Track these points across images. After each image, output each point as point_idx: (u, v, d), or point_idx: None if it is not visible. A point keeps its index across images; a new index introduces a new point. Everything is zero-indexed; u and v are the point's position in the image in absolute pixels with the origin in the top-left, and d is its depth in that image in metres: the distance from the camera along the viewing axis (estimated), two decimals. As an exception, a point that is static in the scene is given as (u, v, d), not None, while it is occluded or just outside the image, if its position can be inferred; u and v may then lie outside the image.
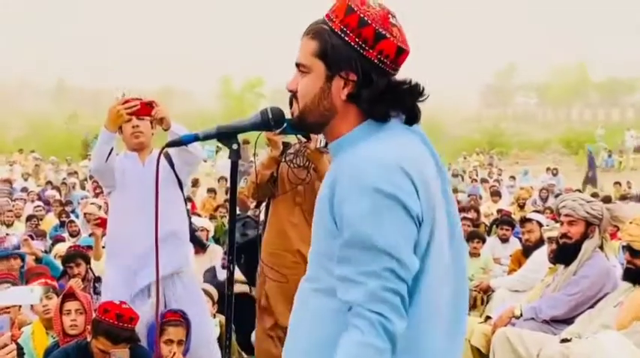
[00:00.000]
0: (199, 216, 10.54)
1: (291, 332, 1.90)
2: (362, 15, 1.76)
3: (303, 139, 4.37)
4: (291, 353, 1.88)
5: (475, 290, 7.04)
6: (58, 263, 6.78)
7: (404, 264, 1.68)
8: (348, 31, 1.77)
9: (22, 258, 6.50)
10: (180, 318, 4.26)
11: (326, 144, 4.14)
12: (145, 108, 4.17)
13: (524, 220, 8.21)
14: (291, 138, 4.49)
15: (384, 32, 1.76)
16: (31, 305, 4.69)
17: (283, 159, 4.43)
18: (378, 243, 1.66)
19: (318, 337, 1.79)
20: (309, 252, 1.96)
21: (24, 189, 16.09)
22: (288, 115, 2.07)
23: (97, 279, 6.56)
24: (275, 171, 4.43)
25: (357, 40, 1.76)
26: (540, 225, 7.74)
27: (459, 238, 1.89)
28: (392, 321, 1.66)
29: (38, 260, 6.77)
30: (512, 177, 22.96)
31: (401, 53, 1.80)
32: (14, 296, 4.32)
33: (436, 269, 1.77)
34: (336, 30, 1.78)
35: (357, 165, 1.72)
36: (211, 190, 15.15)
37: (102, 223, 6.82)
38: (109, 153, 4.16)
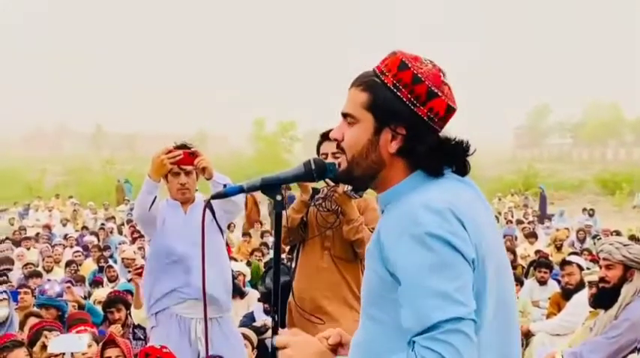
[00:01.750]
0: (235, 260, 10.59)
1: None
2: (416, 72, 1.79)
3: (332, 183, 4.38)
4: None
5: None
6: (99, 308, 6.85)
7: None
8: (400, 87, 1.79)
9: (61, 307, 6.58)
10: (218, 364, 4.29)
11: (353, 188, 4.19)
12: (188, 158, 4.25)
13: (564, 263, 8.10)
14: (321, 183, 4.52)
15: (436, 91, 1.78)
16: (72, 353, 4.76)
17: (312, 204, 4.46)
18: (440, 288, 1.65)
19: None
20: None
21: (63, 235, 16.29)
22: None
23: (137, 326, 6.62)
24: (305, 216, 4.46)
25: (409, 96, 1.78)
26: (580, 268, 7.64)
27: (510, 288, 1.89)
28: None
29: (80, 306, 6.85)
30: (548, 218, 22.69)
31: (450, 111, 1.82)
32: (65, 343, 4.41)
33: (491, 312, 1.76)
34: (388, 84, 1.80)
35: (408, 212, 1.72)
36: (246, 234, 15.21)
37: (141, 272, 6.90)
38: (152, 202, 4.24)
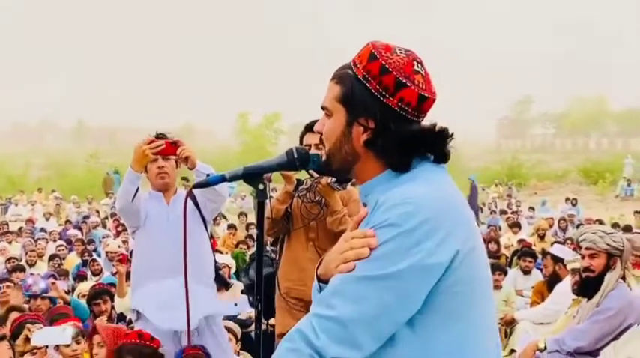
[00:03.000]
0: (220, 252, 10.57)
1: None
2: (384, 62, 1.78)
3: (316, 175, 4.38)
4: None
5: (499, 323, 7.00)
6: (84, 303, 6.82)
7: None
8: (370, 78, 1.78)
9: (53, 300, 6.57)
10: (200, 352, 4.28)
11: (337, 180, 4.20)
12: (171, 148, 4.23)
13: (543, 253, 8.20)
14: (305, 174, 4.51)
15: (404, 81, 1.77)
16: (57, 346, 4.73)
17: (296, 195, 4.46)
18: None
19: None
20: None
21: (45, 229, 16.20)
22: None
23: (120, 316, 6.60)
24: (289, 207, 4.46)
25: (378, 87, 1.77)
26: (556, 259, 7.74)
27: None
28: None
29: (65, 302, 6.82)
30: (532, 208, 22.82)
31: (423, 100, 1.79)
32: (48, 336, 4.38)
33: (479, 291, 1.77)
34: (359, 76, 1.80)
35: (390, 205, 1.71)
36: (231, 226, 15.16)
37: (123, 259, 6.89)
38: (135, 193, 4.21)
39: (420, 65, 1.81)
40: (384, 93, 1.77)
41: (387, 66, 1.78)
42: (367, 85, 1.79)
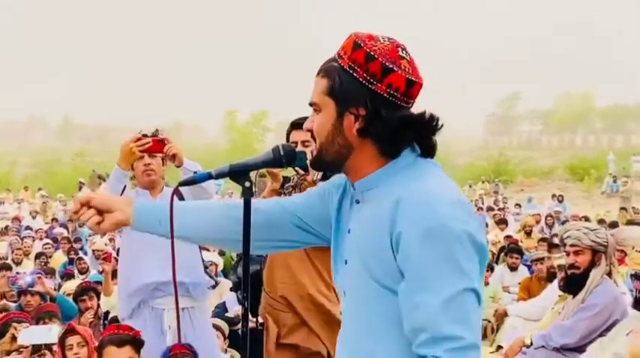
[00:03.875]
0: (207, 250, 10.54)
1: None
2: (368, 50, 1.78)
3: (302, 172, 4.36)
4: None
5: (485, 320, 7.03)
6: (71, 300, 6.79)
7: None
8: (356, 67, 1.79)
9: (44, 297, 6.54)
10: (188, 351, 4.27)
11: (323, 177, 4.18)
12: (157, 145, 4.21)
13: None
14: (291, 171, 4.49)
15: (391, 66, 1.77)
16: (50, 347, 4.70)
17: (283, 192, 4.45)
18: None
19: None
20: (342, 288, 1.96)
21: (31, 228, 16.11)
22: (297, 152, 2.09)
23: (107, 314, 6.58)
24: None
25: (365, 75, 1.78)
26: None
27: None
28: None
29: (52, 299, 6.79)
30: (518, 205, 22.94)
31: (411, 85, 1.80)
32: (35, 335, 4.36)
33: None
34: (344, 67, 1.81)
35: (422, 201, 1.72)
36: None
37: (108, 258, 6.87)
38: (122, 192, 4.19)
39: (404, 51, 1.82)
40: (371, 80, 1.78)
41: (372, 53, 1.78)
42: (354, 74, 1.79)
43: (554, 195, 24.71)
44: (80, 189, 22.57)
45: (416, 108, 1.85)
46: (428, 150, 1.86)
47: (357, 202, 1.93)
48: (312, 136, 1.94)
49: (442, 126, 1.85)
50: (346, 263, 1.94)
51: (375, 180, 1.86)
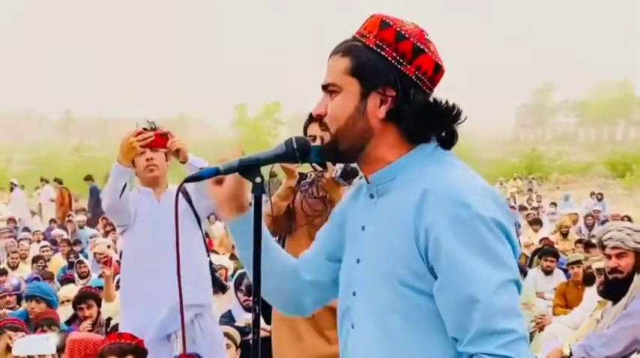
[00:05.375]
0: (217, 253, 10.55)
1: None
2: (398, 29, 1.78)
3: (319, 168, 4.32)
4: None
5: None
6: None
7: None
8: (384, 46, 1.77)
9: (52, 303, 6.57)
10: (195, 360, 4.28)
11: (342, 173, 4.14)
12: (160, 140, 4.20)
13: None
14: (307, 167, 4.45)
15: (422, 47, 1.78)
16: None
17: (299, 189, 4.42)
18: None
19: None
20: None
21: (29, 229, 16.19)
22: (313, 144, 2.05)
23: (108, 321, 6.58)
24: (291, 203, 4.42)
25: (394, 54, 1.77)
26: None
27: None
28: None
29: (48, 304, 6.81)
30: (553, 204, 22.77)
31: (438, 70, 1.81)
32: (31, 345, 4.37)
33: None
34: (370, 45, 1.79)
35: (448, 189, 1.72)
36: (229, 225, 15.12)
37: (108, 261, 6.88)
38: (123, 189, 4.19)
39: (428, 35, 1.82)
40: (401, 60, 1.77)
41: (402, 32, 1.78)
42: (382, 52, 1.78)
43: (592, 193, 24.49)
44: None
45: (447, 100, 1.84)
46: (448, 141, 1.85)
47: (372, 197, 1.90)
48: (322, 123, 1.89)
49: (466, 118, 1.85)
50: (358, 262, 1.91)
51: (396, 169, 1.83)
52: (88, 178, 21.04)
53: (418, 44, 1.77)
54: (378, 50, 1.78)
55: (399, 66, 1.77)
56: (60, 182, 21.27)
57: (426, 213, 1.71)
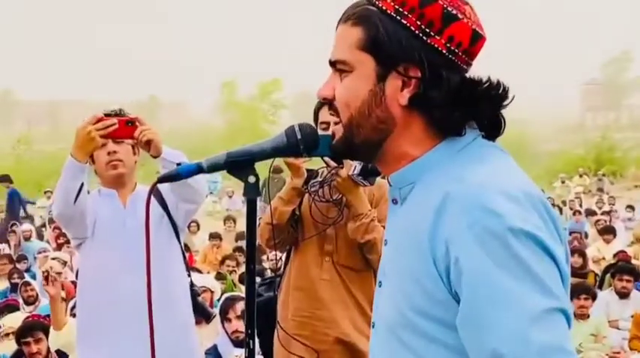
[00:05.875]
0: (200, 271, 10.57)
1: None
2: None
3: (333, 163, 4.27)
4: None
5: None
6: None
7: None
8: (405, 12, 1.71)
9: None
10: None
11: (362, 170, 4.12)
12: (126, 129, 4.19)
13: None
14: (318, 162, 4.42)
15: (454, 12, 1.71)
16: None
17: (307, 191, 4.40)
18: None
19: None
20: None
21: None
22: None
23: (60, 355, 6.60)
24: (297, 208, 4.41)
25: (418, 22, 1.70)
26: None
27: None
28: None
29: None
30: (631, 207, 22.74)
31: (476, 40, 1.75)
32: None
33: None
34: (388, 11, 1.73)
35: (472, 197, 1.64)
36: (215, 236, 15.13)
37: (50, 278, 6.86)
38: (79, 192, 4.18)
39: None
40: (427, 30, 1.71)
41: None
42: (403, 20, 1.72)
43: (680, 194, 24.50)
44: None
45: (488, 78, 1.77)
46: (493, 129, 1.81)
47: (395, 202, 1.88)
48: (332, 108, 1.86)
49: (512, 98, 1.79)
50: (380, 285, 1.91)
51: (421, 167, 1.79)
52: (5, 180, 21.16)
53: (449, 8, 1.70)
54: (398, 17, 1.71)
55: (425, 37, 1.71)
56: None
57: (446, 223, 1.66)
